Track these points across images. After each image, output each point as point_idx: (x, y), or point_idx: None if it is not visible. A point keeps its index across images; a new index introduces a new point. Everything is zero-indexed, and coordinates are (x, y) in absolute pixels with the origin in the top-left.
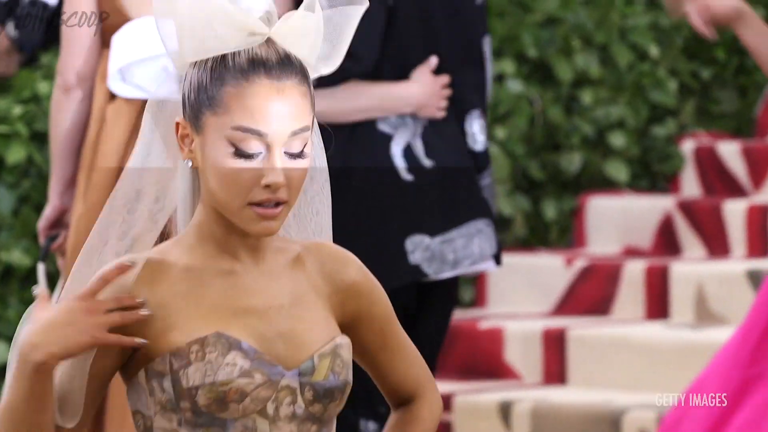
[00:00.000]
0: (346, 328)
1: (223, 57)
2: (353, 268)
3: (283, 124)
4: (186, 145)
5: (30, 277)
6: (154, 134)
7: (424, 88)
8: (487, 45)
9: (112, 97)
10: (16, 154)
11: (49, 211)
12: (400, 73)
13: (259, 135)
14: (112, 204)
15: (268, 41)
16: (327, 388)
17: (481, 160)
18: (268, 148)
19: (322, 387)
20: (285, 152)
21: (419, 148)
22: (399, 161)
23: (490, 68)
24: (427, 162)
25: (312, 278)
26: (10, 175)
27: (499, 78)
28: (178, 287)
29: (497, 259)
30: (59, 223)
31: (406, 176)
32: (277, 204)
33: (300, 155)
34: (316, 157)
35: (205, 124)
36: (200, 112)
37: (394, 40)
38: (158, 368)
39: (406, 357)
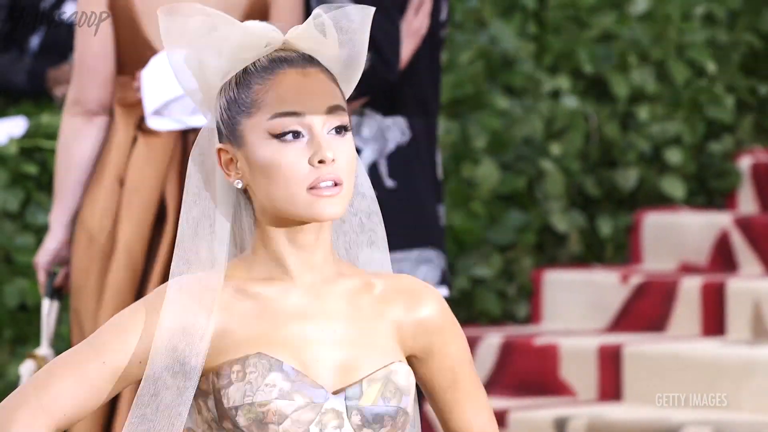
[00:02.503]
0: (417, 361)
1: (245, 68)
2: (430, 305)
3: (316, 101)
4: (232, 169)
5: None
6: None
7: (408, 45)
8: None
9: (140, 125)
10: None
11: (53, 245)
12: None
13: (296, 115)
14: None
15: (286, 45)
16: (375, 413)
17: (442, 191)
18: (309, 128)
19: (370, 412)
20: (327, 132)
21: (383, 168)
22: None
23: None
24: (389, 182)
25: (380, 306)
26: None
27: (555, 94)
28: (234, 310)
29: (448, 286)
30: (59, 258)
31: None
32: (335, 185)
33: (342, 134)
34: (365, 189)
35: (243, 131)
36: (236, 123)
37: None
38: (203, 387)
39: (475, 403)
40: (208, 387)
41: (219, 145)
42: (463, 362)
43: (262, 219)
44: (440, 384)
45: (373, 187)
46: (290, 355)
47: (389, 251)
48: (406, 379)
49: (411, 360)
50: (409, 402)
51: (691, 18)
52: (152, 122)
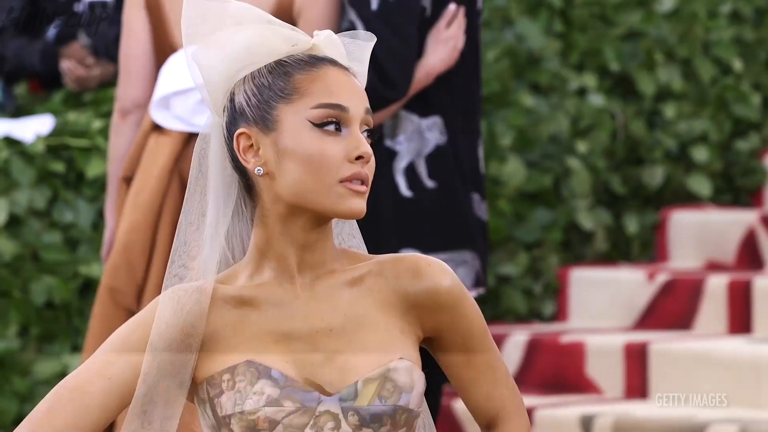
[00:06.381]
0: (430, 341)
1: (278, 60)
2: (434, 281)
3: (359, 100)
4: (251, 155)
5: None
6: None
7: (437, 52)
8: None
9: (155, 126)
10: (95, 168)
11: (107, 235)
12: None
13: (341, 109)
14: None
15: (313, 49)
16: (373, 413)
17: (485, 185)
18: (349, 123)
19: (367, 412)
20: (361, 132)
21: (422, 169)
22: (399, 177)
23: None
24: (429, 183)
25: (381, 296)
26: (89, 189)
27: (581, 92)
28: (228, 317)
29: (480, 284)
30: None
31: (406, 192)
32: (362, 183)
33: (369, 137)
34: None
35: (278, 116)
36: (270, 107)
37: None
38: (201, 395)
39: (492, 376)
40: (204, 395)
41: (240, 129)
42: (474, 338)
43: (270, 214)
44: (454, 362)
45: (413, 188)
46: (284, 359)
47: (431, 252)
48: (407, 375)
49: (428, 342)
50: (411, 399)
51: (717, 16)
52: (156, 115)
